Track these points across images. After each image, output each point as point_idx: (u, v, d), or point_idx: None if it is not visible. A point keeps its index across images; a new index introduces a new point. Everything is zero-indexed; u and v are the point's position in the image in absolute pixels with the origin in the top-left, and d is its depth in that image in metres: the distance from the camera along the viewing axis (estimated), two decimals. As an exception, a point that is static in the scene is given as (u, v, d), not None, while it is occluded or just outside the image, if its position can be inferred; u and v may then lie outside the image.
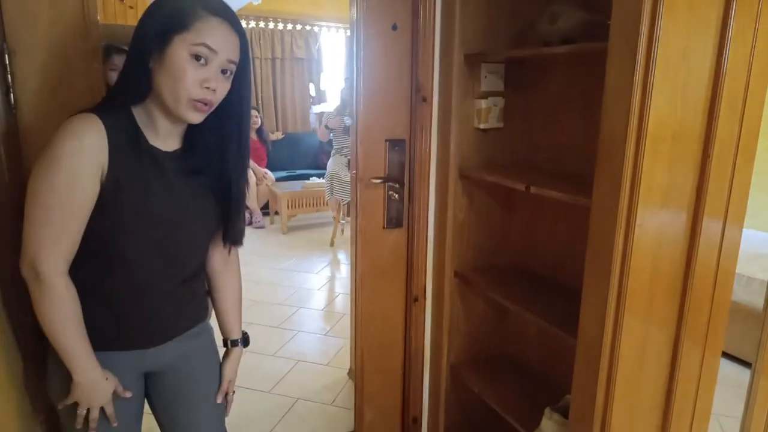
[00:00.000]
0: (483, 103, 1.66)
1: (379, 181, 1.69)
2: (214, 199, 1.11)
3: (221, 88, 1.00)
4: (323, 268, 4.24)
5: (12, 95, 1.21)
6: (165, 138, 1.05)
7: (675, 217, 1.14)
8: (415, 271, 1.81)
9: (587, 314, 1.20)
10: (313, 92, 6.61)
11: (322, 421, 2.26)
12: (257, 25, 6.15)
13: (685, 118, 1.07)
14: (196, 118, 0.99)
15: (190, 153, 1.08)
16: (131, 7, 4.26)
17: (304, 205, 5.28)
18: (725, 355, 2.56)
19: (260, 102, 6.30)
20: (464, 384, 1.84)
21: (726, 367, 1.69)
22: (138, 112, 1.02)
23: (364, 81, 1.63)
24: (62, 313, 0.97)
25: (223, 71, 0.99)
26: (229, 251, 1.22)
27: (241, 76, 1.04)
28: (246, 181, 1.16)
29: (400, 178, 1.72)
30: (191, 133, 1.07)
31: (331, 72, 6.65)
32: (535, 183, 1.42)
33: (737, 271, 2.62)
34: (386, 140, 1.68)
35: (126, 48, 1.03)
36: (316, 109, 6.51)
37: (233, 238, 1.18)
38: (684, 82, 1.05)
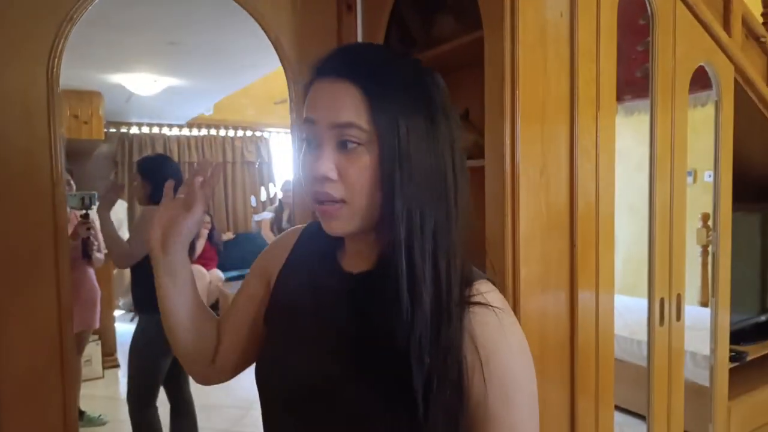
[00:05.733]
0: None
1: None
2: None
3: (345, 170, 0.67)
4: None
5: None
6: (352, 258, 0.77)
7: (555, 294, 1.39)
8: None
9: (494, 383, 1.40)
10: (253, 202, 6.89)
11: None
12: (209, 132, 6.52)
13: (550, 218, 1.36)
14: (328, 225, 0.70)
15: (379, 276, 0.69)
16: (86, 123, 4.52)
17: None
18: (636, 414, 2.77)
19: (211, 204, 6.53)
20: None
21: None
22: None
23: (302, 190, 1.89)
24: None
25: (343, 144, 0.67)
26: None
27: (386, 146, 0.65)
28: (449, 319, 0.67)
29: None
30: (386, 249, 0.69)
31: (282, 174, 7.02)
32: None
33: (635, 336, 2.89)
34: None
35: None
36: (258, 217, 6.78)
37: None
38: (546, 191, 1.35)
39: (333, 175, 0.67)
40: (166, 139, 6.32)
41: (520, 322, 1.29)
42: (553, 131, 1.36)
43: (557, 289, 1.40)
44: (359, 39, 1.82)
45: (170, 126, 6.33)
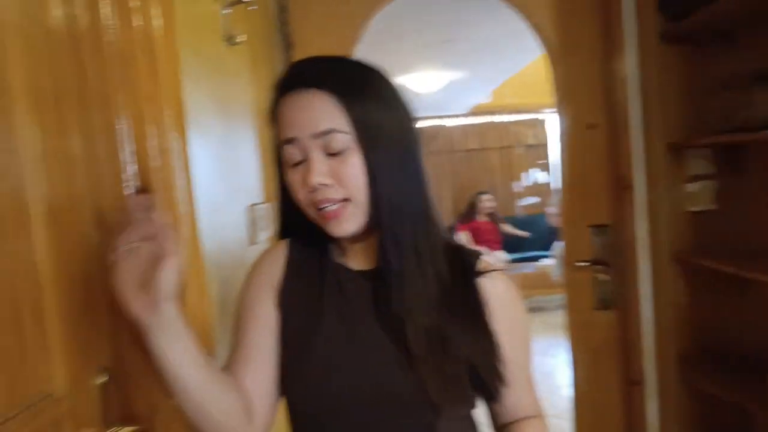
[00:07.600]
0: (691, 187, 1.69)
1: (584, 264, 1.81)
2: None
3: (339, 172, 0.70)
4: (559, 352, 4.19)
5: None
6: (353, 256, 0.80)
7: None
8: (632, 353, 1.83)
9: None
10: (521, 187, 6.77)
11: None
12: (488, 120, 6.73)
13: None
14: (337, 227, 0.72)
15: (383, 270, 0.75)
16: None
17: (534, 287, 5.33)
18: None
19: (495, 188, 6.69)
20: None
21: None
22: None
23: (565, 173, 1.83)
24: None
25: (330, 150, 0.69)
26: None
27: (367, 143, 0.70)
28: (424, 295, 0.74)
29: (606, 262, 1.81)
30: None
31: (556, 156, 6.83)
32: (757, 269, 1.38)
33: None
34: (589, 226, 1.81)
35: None
36: (524, 202, 6.66)
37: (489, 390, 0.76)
38: None
39: (328, 180, 0.70)
40: (446, 130, 6.75)
41: None
42: None
43: None
44: (624, 13, 1.64)
45: (451, 117, 6.74)
